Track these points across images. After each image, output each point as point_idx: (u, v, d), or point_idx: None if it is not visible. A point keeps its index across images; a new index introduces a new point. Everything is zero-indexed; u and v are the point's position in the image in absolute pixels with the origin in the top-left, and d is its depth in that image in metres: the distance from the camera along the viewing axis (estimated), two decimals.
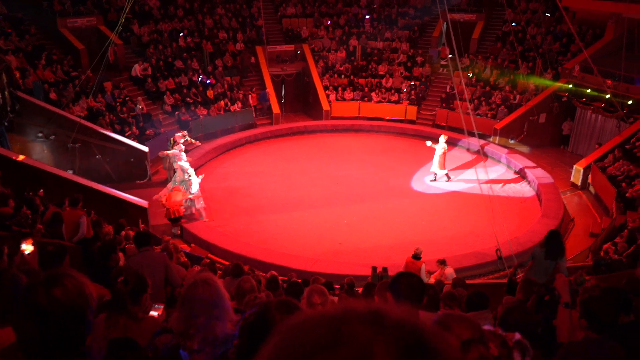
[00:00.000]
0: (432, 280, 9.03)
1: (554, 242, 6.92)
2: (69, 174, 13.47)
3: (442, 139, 16.82)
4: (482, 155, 14.94)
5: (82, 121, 15.01)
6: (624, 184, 14.89)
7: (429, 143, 16.99)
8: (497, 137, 20.32)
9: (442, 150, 16.77)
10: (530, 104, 20.08)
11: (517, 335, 2.13)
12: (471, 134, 15.69)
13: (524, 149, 20.20)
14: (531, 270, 7.09)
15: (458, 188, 16.87)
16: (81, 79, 17.48)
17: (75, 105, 17.01)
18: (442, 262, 9.93)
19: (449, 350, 0.75)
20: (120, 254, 7.07)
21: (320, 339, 0.72)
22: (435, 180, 17.16)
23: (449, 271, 9.72)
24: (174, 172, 14.78)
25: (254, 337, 2.01)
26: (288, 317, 0.91)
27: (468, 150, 19.66)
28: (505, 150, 19.57)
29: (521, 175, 18.01)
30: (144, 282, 2.92)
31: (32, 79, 16.54)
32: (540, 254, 6.96)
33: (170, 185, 14.68)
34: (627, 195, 14.24)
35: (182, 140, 14.90)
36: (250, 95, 22.67)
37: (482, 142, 17.29)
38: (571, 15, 21.20)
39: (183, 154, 14.60)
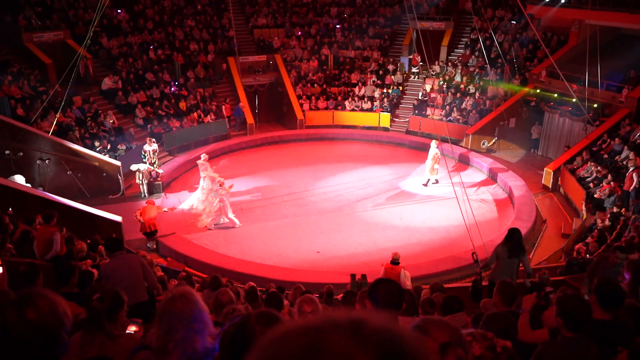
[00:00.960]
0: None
1: (514, 239, 7.15)
2: (39, 191, 13.16)
3: (434, 144, 17.11)
4: (455, 160, 15.15)
5: (52, 137, 14.70)
6: (592, 185, 15.28)
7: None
8: (469, 142, 20.66)
9: (433, 155, 17.10)
10: (500, 109, 20.50)
11: (509, 343, 2.15)
12: (444, 140, 15.94)
13: (496, 153, 20.58)
14: (496, 269, 7.34)
15: (432, 193, 17.06)
16: (49, 94, 17.14)
17: (43, 120, 16.66)
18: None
19: (430, 357, 0.76)
20: (95, 271, 6.93)
21: (301, 351, 0.72)
22: (426, 185, 17.45)
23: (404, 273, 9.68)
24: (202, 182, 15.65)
25: (234, 350, 1.99)
26: (268, 329, 0.90)
27: (441, 155, 19.90)
28: (478, 155, 19.89)
29: (493, 178, 18.32)
30: (120, 299, 2.86)
31: None
32: (504, 253, 7.18)
33: (200, 195, 15.52)
34: (596, 196, 14.62)
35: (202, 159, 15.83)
36: (223, 106, 22.56)
37: (454, 147, 17.59)
38: (536, 23, 21.77)
39: (207, 164, 15.57)
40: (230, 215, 14.69)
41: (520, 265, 7.39)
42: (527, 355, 3.19)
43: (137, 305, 5.73)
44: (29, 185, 13.93)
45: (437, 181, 17.48)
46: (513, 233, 7.31)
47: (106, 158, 16.45)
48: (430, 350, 0.78)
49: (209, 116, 21.77)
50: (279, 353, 0.74)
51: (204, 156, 16.12)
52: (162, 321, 2.27)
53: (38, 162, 14.97)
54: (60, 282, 5.06)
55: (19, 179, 13.93)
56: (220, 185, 14.44)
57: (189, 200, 15.92)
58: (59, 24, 20.93)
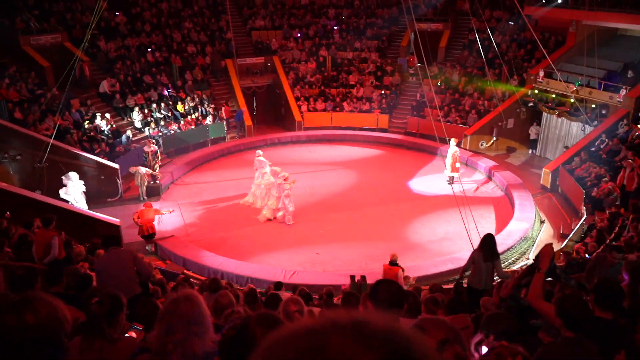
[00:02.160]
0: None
1: (488, 244, 7.48)
2: (37, 195, 13.14)
3: (453, 142, 17.22)
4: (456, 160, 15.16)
5: (50, 140, 14.68)
6: (589, 183, 15.30)
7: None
8: (468, 143, 20.68)
9: (453, 153, 17.26)
10: (498, 109, 20.53)
11: (520, 348, 2.16)
12: (442, 141, 15.95)
13: (495, 153, 20.60)
14: (473, 273, 7.62)
15: (431, 193, 17.07)
16: (47, 97, 17.12)
17: (41, 124, 16.63)
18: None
19: (434, 357, 0.75)
20: (93, 274, 6.91)
21: (303, 353, 0.71)
22: (452, 183, 17.23)
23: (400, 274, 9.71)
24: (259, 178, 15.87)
25: (235, 352, 1.98)
26: (269, 331, 0.90)
27: (440, 156, 19.92)
28: (477, 155, 19.91)
29: (492, 179, 18.34)
30: (119, 302, 2.85)
31: None
32: (479, 258, 7.44)
33: (256, 190, 15.96)
34: (594, 195, 14.62)
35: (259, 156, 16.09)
36: (223, 108, 22.57)
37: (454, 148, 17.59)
38: (533, 23, 21.81)
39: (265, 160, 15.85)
40: (291, 209, 14.91)
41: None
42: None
43: (131, 299, 5.78)
44: (81, 181, 14.59)
45: (452, 179, 17.27)
46: (487, 239, 7.61)
47: (104, 161, 16.42)
48: (435, 353, 0.77)
49: (207, 118, 21.76)
50: (281, 355, 0.73)
51: (260, 152, 16.41)
52: (162, 321, 2.27)
53: (36, 165, 14.93)
54: (51, 282, 5.06)
55: (74, 176, 14.41)
56: (284, 180, 14.64)
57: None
58: (57, 26, 20.93)
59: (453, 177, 17.45)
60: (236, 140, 22.03)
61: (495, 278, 7.75)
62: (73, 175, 14.50)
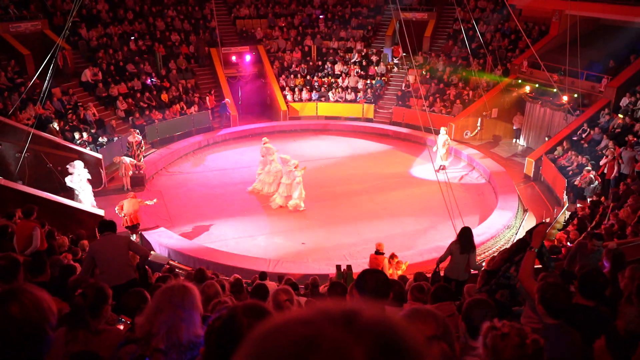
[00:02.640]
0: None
1: (465, 237, 7.83)
2: (18, 185, 12.94)
3: (443, 130, 17.71)
4: (438, 150, 15.24)
5: (31, 129, 14.43)
6: (571, 172, 15.52)
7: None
8: (453, 133, 20.78)
9: (443, 141, 17.66)
10: (482, 99, 20.65)
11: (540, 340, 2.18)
12: (427, 130, 16.02)
13: (479, 143, 20.75)
14: (450, 264, 7.93)
15: (416, 183, 17.16)
16: (27, 86, 16.79)
17: (22, 113, 16.33)
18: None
19: (424, 348, 0.75)
20: (77, 264, 6.86)
21: (295, 346, 0.70)
22: (443, 170, 17.35)
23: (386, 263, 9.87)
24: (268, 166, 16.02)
25: (221, 343, 1.98)
26: (257, 322, 0.89)
27: (429, 146, 20.02)
28: (461, 145, 20.03)
29: (476, 168, 18.49)
30: (103, 294, 2.83)
31: None
32: (457, 249, 7.78)
33: (265, 177, 16.07)
34: (576, 183, 14.84)
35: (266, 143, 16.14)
36: (208, 98, 22.35)
37: (437, 137, 17.69)
38: (517, 13, 21.91)
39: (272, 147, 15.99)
40: (303, 195, 15.09)
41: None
42: None
43: (128, 283, 5.88)
44: (86, 170, 14.61)
45: (443, 167, 17.58)
46: (465, 232, 7.92)
47: (87, 151, 16.21)
48: (425, 343, 0.77)
49: (192, 108, 21.56)
50: (271, 347, 0.72)
51: (266, 139, 16.51)
52: (152, 302, 2.29)
53: (17, 155, 14.68)
54: (33, 273, 4.99)
55: (78, 164, 14.38)
56: (295, 167, 14.83)
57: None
58: (37, 14, 20.46)
59: (445, 165, 17.76)
60: (221, 130, 21.85)
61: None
62: (77, 163, 14.44)
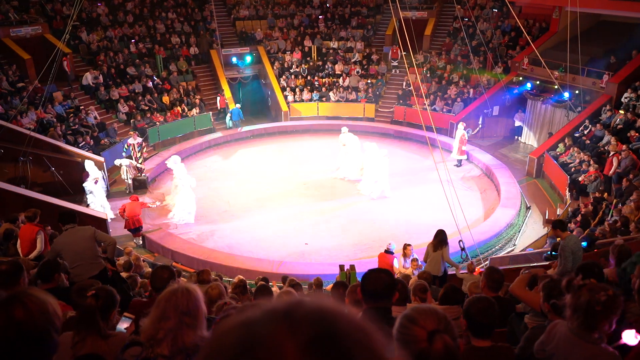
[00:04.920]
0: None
1: (438, 237, 8.83)
2: (21, 189, 12.96)
3: (461, 126, 18.03)
4: (439, 148, 15.20)
5: (32, 133, 14.45)
6: (573, 169, 15.49)
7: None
8: (454, 131, 20.74)
9: (460, 136, 17.91)
10: (483, 97, 20.62)
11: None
12: (429, 129, 15.99)
13: (480, 140, 20.72)
14: (429, 263, 8.86)
15: (419, 181, 17.11)
16: (29, 90, 16.83)
17: (23, 117, 16.37)
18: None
19: (365, 338, 0.74)
20: None
21: (234, 344, 0.72)
22: (459, 165, 18.23)
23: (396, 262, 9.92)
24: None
25: None
26: None
27: (427, 144, 19.99)
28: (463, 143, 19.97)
29: (478, 166, 18.46)
30: (113, 298, 2.83)
31: None
32: (431, 249, 8.87)
33: (373, 166, 16.09)
34: (580, 181, 14.80)
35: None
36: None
37: (439, 135, 17.66)
38: (517, 10, 21.87)
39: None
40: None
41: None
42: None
43: (99, 274, 5.85)
44: (101, 172, 14.90)
45: (460, 162, 18.26)
46: (438, 233, 8.93)
47: (89, 154, 16.23)
48: (369, 334, 0.77)
49: (193, 110, 21.59)
50: (216, 348, 0.74)
51: (345, 129, 17.90)
52: (157, 308, 2.27)
53: (19, 159, 14.70)
54: (43, 279, 4.99)
55: (88, 164, 14.52)
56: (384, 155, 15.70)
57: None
58: (37, 18, 20.52)
59: (461, 159, 18.13)
60: (223, 132, 21.86)
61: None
62: (87, 163, 14.61)
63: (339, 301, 0.84)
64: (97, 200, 14.22)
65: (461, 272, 9.44)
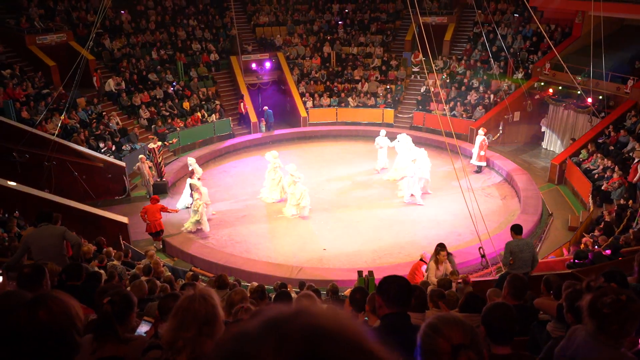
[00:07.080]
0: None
1: (439, 248, 9.04)
2: (45, 194, 13.22)
3: (481, 132, 18.01)
4: (459, 154, 15.10)
5: (57, 139, 14.75)
6: (596, 175, 15.20)
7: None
8: (474, 137, 20.55)
9: (480, 142, 17.86)
10: (504, 103, 20.41)
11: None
12: (448, 135, 15.87)
13: (502, 146, 20.49)
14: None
15: (438, 187, 16.99)
16: (53, 96, 17.19)
17: (48, 123, 16.71)
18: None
19: (347, 353, 0.73)
20: (102, 272, 6.96)
21: (227, 357, 0.74)
22: (480, 172, 18.21)
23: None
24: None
25: None
26: None
27: (446, 150, 19.83)
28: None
29: (499, 172, 18.25)
30: (130, 302, 2.86)
31: (2, 98, 16.21)
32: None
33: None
34: (603, 188, 14.52)
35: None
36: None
37: (459, 142, 17.52)
38: (539, 15, 21.63)
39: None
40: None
41: None
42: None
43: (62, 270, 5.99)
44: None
45: (480, 168, 18.25)
46: (439, 245, 9.11)
47: (111, 159, 16.48)
48: (354, 348, 0.75)
49: (212, 116, 21.79)
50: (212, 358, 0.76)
51: (383, 131, 18.24)
52: (175, 316, 2.28)
53: (44, 164, 15.00)
54: (70, 278, 5.18)
55: (191, 161, 15.70)
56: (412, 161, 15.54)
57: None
58: (62, 26, 20.98)
59: (481, 166, 18.08)
60: (242, 137, 22.03)
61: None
62: (190, 160, 15.87)
63: (348, 310, 0.84)
64: (202, 197, 14.46)
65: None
